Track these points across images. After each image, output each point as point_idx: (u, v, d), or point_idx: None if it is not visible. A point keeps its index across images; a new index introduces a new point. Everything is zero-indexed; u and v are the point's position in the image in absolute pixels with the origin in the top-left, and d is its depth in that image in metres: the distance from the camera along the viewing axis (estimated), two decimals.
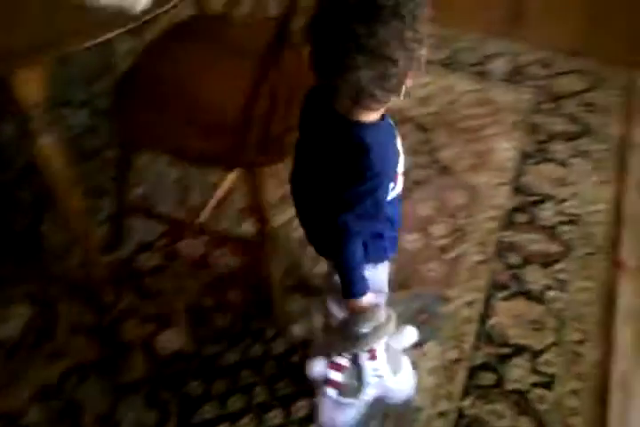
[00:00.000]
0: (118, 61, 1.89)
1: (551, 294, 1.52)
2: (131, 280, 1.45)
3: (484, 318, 1.46)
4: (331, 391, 1.11)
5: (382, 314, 1.00)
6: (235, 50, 1.37)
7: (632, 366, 1.42)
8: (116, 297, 1.37)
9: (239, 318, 1.40)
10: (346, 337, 1.01)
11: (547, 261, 1.58)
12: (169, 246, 1.51)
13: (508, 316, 1.47)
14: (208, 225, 1.52)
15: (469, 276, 1.55)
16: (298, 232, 1.56)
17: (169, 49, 1.36)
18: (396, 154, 0.99)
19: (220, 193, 1.46)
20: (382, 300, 1.12)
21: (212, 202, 1.45)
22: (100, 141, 1.75)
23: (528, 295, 1.52)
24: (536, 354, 1.41)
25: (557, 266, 1.57)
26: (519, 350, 1.41)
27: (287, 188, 1.14)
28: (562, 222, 1.66)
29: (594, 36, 2.19)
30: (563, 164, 1.79)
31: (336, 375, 1.09)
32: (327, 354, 1.09)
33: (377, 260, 1.10)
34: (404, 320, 1.42)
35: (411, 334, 1.22)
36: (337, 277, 1.03)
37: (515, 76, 2.03)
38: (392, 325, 1.01)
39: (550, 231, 1.64)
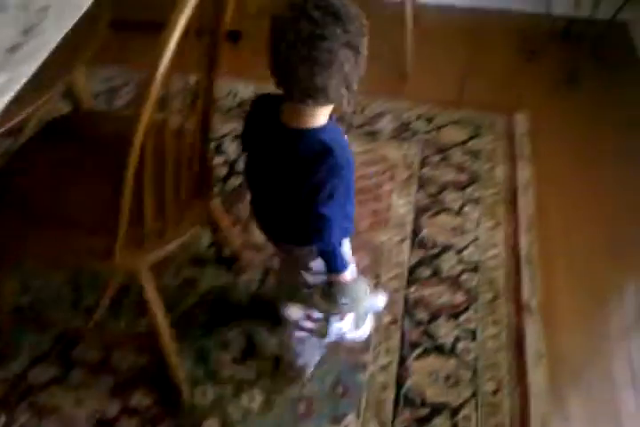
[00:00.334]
0: None
1: (462, 345, 1.53)
2: (25, 398, 1.36)
3: (400, 381, 1.46)
4: (300, 334, 1.34)
5: (362, 288, 1.19)
6: (104, 146, 1.38)
7: (550, 406, 1.44)
8: (8, 419, 1.28)
9: (148, 423, 1.34)
10: (328, 301, 1.20)
11: (454, 313, 1.60)
12: (64, 355, 1.44)
13: (424, 374, 1.48)
14: (104, 325, 1.48)
15: (382, 338, 1.55)
16: (200, 320, 1.55)
17: (38, 152, 1.35)
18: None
19: (111, 291, 1.42)
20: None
21: (106, 300, 1.41)
22: None
23: (440, 350, 1.53)
24: (455, 411, 1.41)
25: (464, 316, 1.60)
26: (438, 409, 1.41)
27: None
28: (464, 271, 1.70)
29: (471, 87, 2.33)
30: (457, 213, 1.85)
31: (308, 324, 1.31)
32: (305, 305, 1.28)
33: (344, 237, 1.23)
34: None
35: (380, 301, 1.37)
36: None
37: (402, 133, 2.11)
38: (368, 300, 1.20)
39: (454, 281, 1.68)
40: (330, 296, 1.19)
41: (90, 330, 1.41)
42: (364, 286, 1.19)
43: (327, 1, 0.95)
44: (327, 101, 1.02)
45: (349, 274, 1.18)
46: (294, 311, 1.30)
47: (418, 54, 2.38)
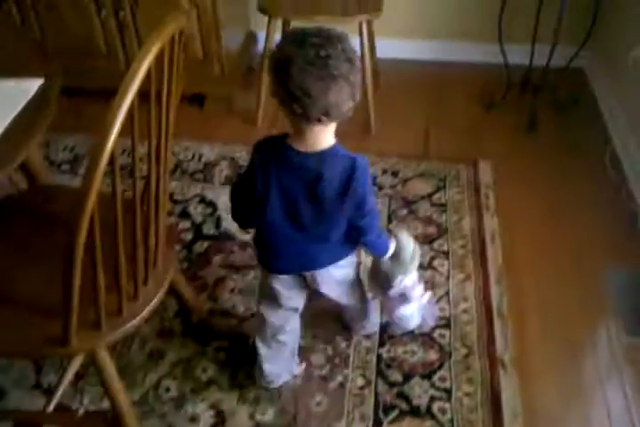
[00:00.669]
0: None
1: (437, 405, 1.50)
2: None
3: None
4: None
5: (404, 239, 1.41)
6: (58, 222, 1.37)
7: None
8: None
9: None
10: (396, 264, 1.40)
11: (428, 372, 1.57)
12: None
13: None
14: (67, 405, 1.43)
15: (356, 403, 1.51)
16: (168, 394, 1.50)
17: None
18: None
19: (72, 370, 1.38)
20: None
21: (66, 380, 1.36)
22: None
23: (416, 412, 1.49)
24: None
25: (438, 374, 1.56)
26: None
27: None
28: (436, 326, 1.67)
29: (434, 139, 2.37)
30: (427, 266, 1.84)
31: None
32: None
33: None
34: None
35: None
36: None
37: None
38: (412, 244, 1.43)
39: (427, 338, 1.65)
40: (396, 259, 1.39)
41: (50, 413, 1.36)
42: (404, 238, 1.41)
43: (319, 28, 1.09)
44: (340, 116, 1.10)
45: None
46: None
47: (380, 108, 2.42)
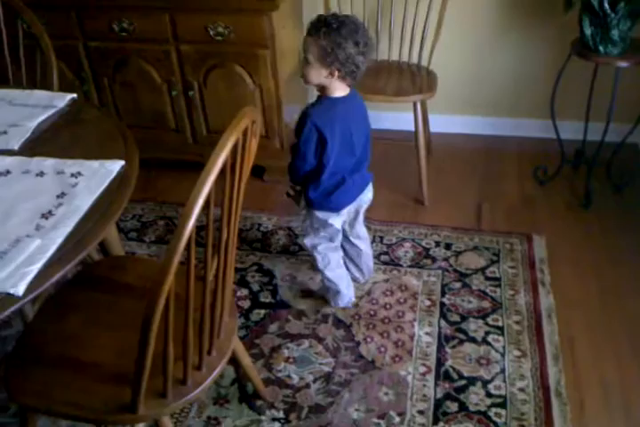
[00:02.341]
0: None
1: None
2: None
3: None
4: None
5: None
6: (132, 291, 1.45)
7: None
8: None
9: None
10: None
11: None
12: None
13: None
14: None
15: None
16: None
17: (70, 298, 1.43)
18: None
19: None
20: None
21: None
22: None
23: None
24: None
25: None
26: None
27: None
28: (492, 405, 1.65)
29: (487, 212, 2.40)
30: (481, 342, 1.83)
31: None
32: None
33: (323, 206, 1.82)
34: None
35: None
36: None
37: (421, 260, 2.15)
38: None
39: (482, 417, 1.62)
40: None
41: None
42: None
43: (346, 17, 1.63)
44: None
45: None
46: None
47: (433, 181, 2.49)
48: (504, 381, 1.71)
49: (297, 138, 1.71)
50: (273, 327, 1.91)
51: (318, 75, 1.64)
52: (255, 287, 2.07)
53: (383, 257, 2.17)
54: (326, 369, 1.77)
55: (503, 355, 1.79)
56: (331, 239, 1.90)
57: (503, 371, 1.74)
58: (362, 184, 1.86)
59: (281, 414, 1.66)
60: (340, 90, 1.69)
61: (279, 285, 2.07)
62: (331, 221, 1.84)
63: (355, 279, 2.05)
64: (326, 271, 1.93)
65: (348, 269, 2.02)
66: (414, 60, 2.52)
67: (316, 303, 2.00)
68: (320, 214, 1.83)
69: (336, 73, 1.63)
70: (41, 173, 1.36)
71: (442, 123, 2.83)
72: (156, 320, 1.03)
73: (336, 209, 1.83)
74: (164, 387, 1.19)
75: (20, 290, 1.05)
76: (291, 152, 1.77)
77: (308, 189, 1.79)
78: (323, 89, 1.70)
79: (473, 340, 1.84)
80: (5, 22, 1.88)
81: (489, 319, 1.91)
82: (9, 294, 1.05)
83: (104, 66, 2.47)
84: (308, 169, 1.74)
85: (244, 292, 2.05)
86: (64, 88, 1.86)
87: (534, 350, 1.80)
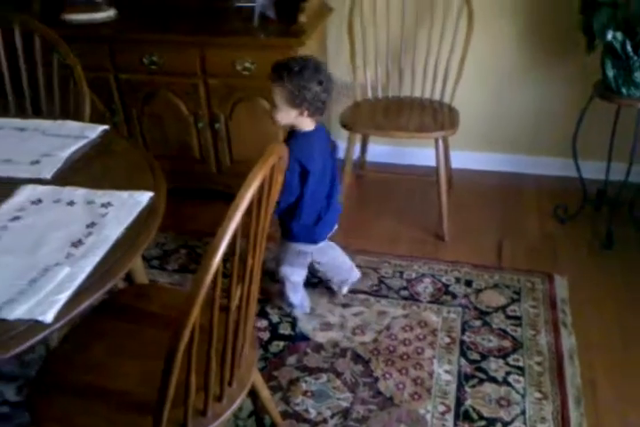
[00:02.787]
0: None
1: None
2: None
3: None
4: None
5: None
6: (156, 320, 1.46)
7: None
8: None
9: None
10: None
11: None
12: None
13: None
14: None
15: None
16: None
17: (95, 326, 1.44)
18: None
19: None
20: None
21: None
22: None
23: None
24: None
25: None
26: None
27: None
28: None
29: (507, 249, 2.39)
30: (501, 382, 1.80)
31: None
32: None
33: (304, 238, 1.95)
34: None
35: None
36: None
37: (441, 297, 2.14)
38: None
39: None
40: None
41: None
42: None
43: (304, 60, 1.75)
44: None
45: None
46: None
47: (454, 217, 2.50)
48: (524, 423, 1.68)
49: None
50: (291, 360, 1.91)
51: (288, 116, 1.78)
52: (275, 319, 2.07)
53: (402, 292, 2.17)
54: (344, 404, 1.76)
55: (524, 396, 1.76)
56: (304, 266, 2.04)
57: (524, 413, 1.71)
58: (337, 212, 2.00)
59: None
60: (309, 125, 1.82)
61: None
62: (309, 250, 1.98)
63: (340, 287, 2.17)
64: (291, 296, 2.08)
65: (328, 283, 2.18)
66: (436, 96, 2.56)
67: (334, 337, 1.99)
68: (300, 246, 1.96)
69: (305, 112, 1.76)
70: (72, 203, 1.39)
71: (462, 159, 2.85)
72: (180, 351, 1.03)
73: (317, 240, 1.96)
74: (185, 418, 1.18)
75: (48, 317, 1.07)
76: None
77: (289, 222, 1.90)
78: (293, 127, 1.83)
79: (493, 380, 1.82)
80: (41, 54, 1.96)
81: (509, 359, 1.88)
82: (37, 321, 1.06)
83: (134, 98, 2.54)
84: (292, 201, 1.84)
85: (264, 323, 2.05)
86: (95, 119, 1.91)
87: (556, 392, 1.76)
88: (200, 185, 2.72)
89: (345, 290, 2.17)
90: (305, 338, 1.99)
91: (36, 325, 1.06)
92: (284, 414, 1.72)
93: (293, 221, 1.88)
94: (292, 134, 1.85)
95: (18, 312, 1.07)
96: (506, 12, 2.58)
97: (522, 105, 2.77)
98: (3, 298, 1.10)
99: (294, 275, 2.03)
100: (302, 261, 2.01)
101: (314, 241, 1.95)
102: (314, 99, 1.72)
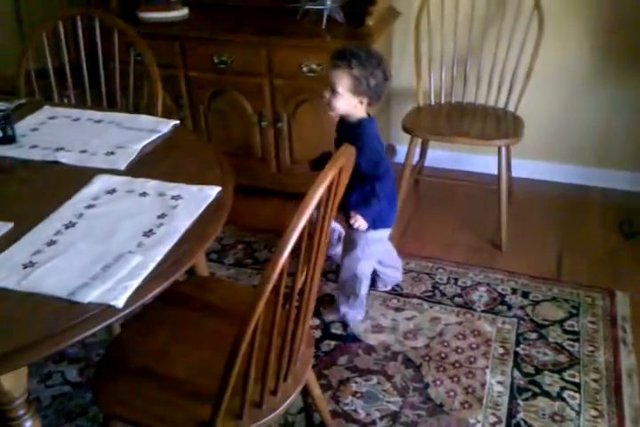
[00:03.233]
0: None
1: None
2: None
3: None
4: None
5: None
6: (216, 312, 1.49)
7: None
8: None
9: None
10: None
11: None
12: None
13: None
14: None
15: None
16: None
17: (152, 319, 1.48)
18: None
19: None
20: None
21: None
22: (90, 398, 1.79)
23: None
24: None
25: None
26: None
27: None
28: None
29: (567, 262, 2.34)
30: (556, 397, 1.77)
31: None
32: None
33: (381, 223, 1.91)
34: None
35: None
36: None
37: (496, 306, 2.11)
38: None
39: None
40: None
41: None
42: None
43: (368, 49, 1.78)
44: None
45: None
46: None
47: (512, 226, 2.45)
48: None
49: (374, 158, 1.76)
50: (342, 360, 1.91)
51: (349, 104, 1.74)
52: (327, 318, 2.08)
53: (457, 299, 2.15)
54: (393, 408, 1.75)
55: (579, 413, 1.72)
56: (376, 257, 2.00)
57: None
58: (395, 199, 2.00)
59: None
60: (364, 114, 1.80)
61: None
62: (385, 235, 1.94)
63: (391, 282, 2.19)
64: (362, 294, 2.01)
65: (380, 276, 2.16)
66: (501, 104, 2.53)
67: (386, 340, 1.99)
68: (378, 233, 1.90)
69: (366, 100, 1.73)
70: (144, 194, 1.44)
71: (524, 168, 2.80)
72: (244, 344, 1.06)
73: (391, 224, 1.93)
74: (242, 408, 1.21)
75: (120, 303, 1.11)
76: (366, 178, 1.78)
77: (367, 209, 1.79)
78: (344, 116, 1.81)
79: (547, 394, 1.78)
80: (118, 50, 2.03)
81: (565, 374, 1.84)
82: (110, 305, 1.11)
83: (201, 94, 2.60)
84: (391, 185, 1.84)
85: (316, 322, 2.06)
86: (163, 113, 1.97)
87: (612, 411, 1.72)
88: (258, 183, 2.76)
89: (388, 288, 2.20)
90: (356, 339, 1.99)
91: (108, 309, 1.11)
92: (334, 413, 1.73)
93: (372, 205, 1.79)
94: (353, 122, 1.80)
95: (91, 296, 1.12)
96: (578, 18, 2.52)
97: (591, 114, 2.70)
98: (77, 282, 1.15)
99: (369, 267, 1.98)
100: (379, 249, 1.97)
101: (389, 225, 1.93)
102: (377, 88, 1.70)
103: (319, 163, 1.94)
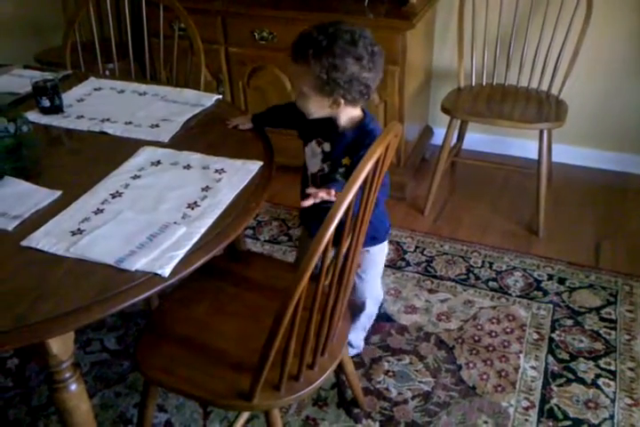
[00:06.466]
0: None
1: None
2: None
3: None
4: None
5: None
6: (257, 286, 1.51)
7: None
8: None
9: None
10: None
11: None
12: None
13: None
14: None
15: None
16: None
17: (192, 290, 1.50)
18: None
19: (240, 423, 1.47)
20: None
21: None
22: (127, 365, 1.83)
23: None
24: None
25: None
26: None
27: None
28: None
29: (606, 249, 2.30)
30: (590, 384, 1.75)
31: None
32: None
33: (384, 235, 1.63)
34: None
35: None
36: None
37: (532, 292, 2.09)
38: None
39: None
40: None
41: None
42: None
43: (334, 28, 1.32)
44: None
45: None
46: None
47: (550, 212, 2.42)
48: None
49: None
50: (375, 338, 1.92)
51: (321, 106, 1.36)
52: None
53: (491, 283, 2.13)
54: (425, 388, 1.76)
55: (613, 401, 1.70)
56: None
57: (612, 417, 1.66)
58: None
59: (377, 426, 1.66)
60: (355, 111, 1.40)
61: (385, 298, 2.08)
62: (387, 249, 1.70)
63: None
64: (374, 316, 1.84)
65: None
66: (544, 87, 2.47)
67: (419, 321, 1.99)
68: (384, 245, 1.65)
69: (341, 100, 1.33)
70: (188, 166, 1.45)
71: (565, 153, 2.75)
72: (287, 317, 1.07)
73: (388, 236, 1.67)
74: (280, 380, 1.22)
75: (166, 272, 1.13)
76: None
77: (377, 220, 1.47)
78: (330, 117, 1.41)
79: (582, 381, 1.76)
80: (163, 24, 2.03)
81: (600, 362, 1.82)
82: (156, 274, 1.12)
83: (241, 70, 2.59)
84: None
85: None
86: (203, 87, 1.97)
87: None
88: (294, 161, 2.75)
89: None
90: (389, 319, 2.00)
91: (155, 277, 1.12)
92: (366, 391, 1.74)
93: (380, 215, 1.57)
94: (346, 127, 1.41)
95: (139, 264, 1.13)
96: (628, 2, 2.44)
97: (635, 102, 2.63)
98: (125, 250, 1.16)
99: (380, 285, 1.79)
100: (382, 264, 1.74)
101: (386, 238, 1.66)
102: (351, 82, 1.28)
103: (261, 118, 1.66)
